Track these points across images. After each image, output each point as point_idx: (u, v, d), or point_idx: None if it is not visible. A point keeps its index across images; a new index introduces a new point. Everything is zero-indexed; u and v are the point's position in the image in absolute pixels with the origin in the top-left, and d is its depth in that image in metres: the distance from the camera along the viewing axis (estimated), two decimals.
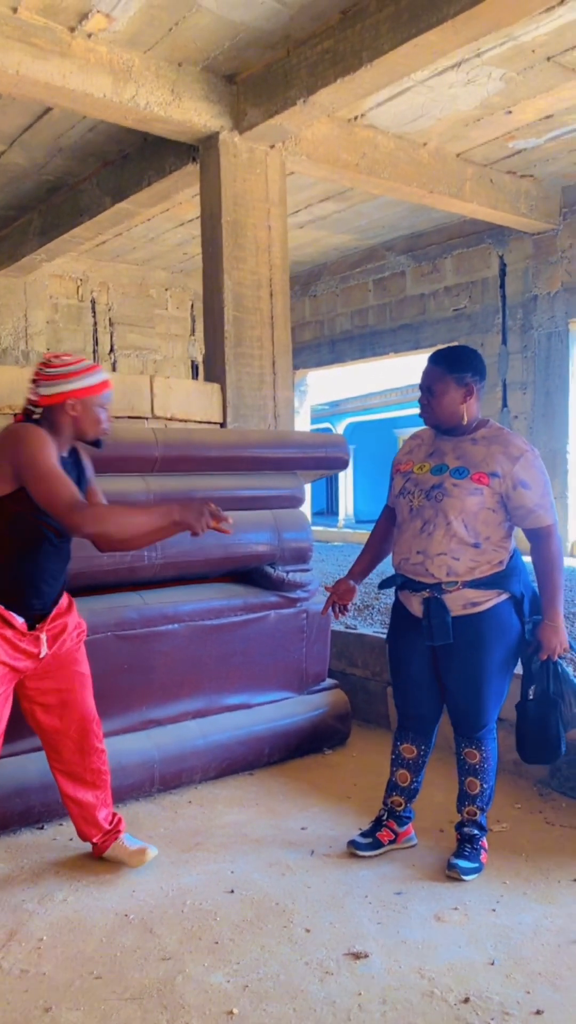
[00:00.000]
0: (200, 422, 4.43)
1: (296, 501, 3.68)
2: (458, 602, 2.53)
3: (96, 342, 8.20)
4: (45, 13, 3.82)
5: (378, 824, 2.79)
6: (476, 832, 2.64)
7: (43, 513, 2.26)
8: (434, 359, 2.59)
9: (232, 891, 2.50)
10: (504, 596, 2.55)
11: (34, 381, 2.39)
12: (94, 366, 2.41)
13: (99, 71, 4.04)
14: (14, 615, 2.30)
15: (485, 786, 2.63)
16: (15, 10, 3.77)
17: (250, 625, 3.51)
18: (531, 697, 2.54)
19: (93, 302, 8.16)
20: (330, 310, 8.65)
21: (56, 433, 2.35)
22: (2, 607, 2.29)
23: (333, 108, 4.21)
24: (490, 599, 2.54)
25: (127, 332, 8.32)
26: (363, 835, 2.77)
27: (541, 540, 2.51)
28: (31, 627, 2.36)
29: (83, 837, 2.68)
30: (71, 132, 5.16)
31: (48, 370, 2.36)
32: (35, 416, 2.38)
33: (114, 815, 2.71)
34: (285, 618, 3.61)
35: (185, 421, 4.38)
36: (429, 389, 2.57)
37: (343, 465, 3.91)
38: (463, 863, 2.58)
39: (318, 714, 3.68)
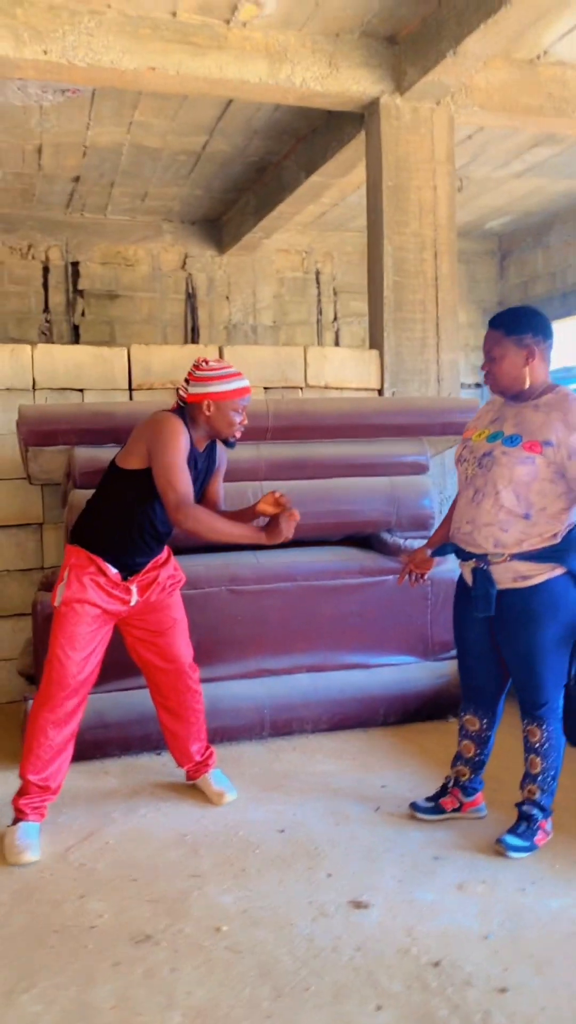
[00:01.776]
0: (356, 389, 4.54)
1: (419, 468, 3.67)
2: (507, 574, 2.45)
3: (320, 312, 8.50)
4: (201, 11, 4.09)
5: (443, 791, 2.80)
6: (535, 812, 2.56)
7: (159, 497, 2.58)
8: (493, 322, 2.50)
9: (283, 831, 2.70)
10: (559, 571, 2.42)
11: (187, 380, 2.71)
12: (236, 373, 2.69)
13: (255, 57, 4.24)
14: (109, 566, 2.66)
15: (547, 766, 2.54)
16: (174, 14, 4.09)
17: (367, 589, 3.61)
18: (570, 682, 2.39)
19: (317, 273, 8.44)
20: (562, 261, 8.10)
21: (194, 428, 2.67)
22: (100, 558, 2.67)
23: (485, 55, 4.00)
24: (542, 573, 2.42)
25: (350, 300, 8.49)
26: (427, 799, 2.81)
27: None
28: (124, 578, 2.71)
29: (177, 764, 3.02)
30: (259, 115, 5.43)
31: (198, 372, 2.68)
32: (182, 409, 2.71)
33: (207, 748, 3.02)
34: (405, 584, 3.64)
35: (341, 389, 4.51)
36: (489, 354, 2.48)
37: None
38: (512, 839, 2.53)
39: (443, 682, 3.68)
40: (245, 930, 2.15)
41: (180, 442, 2.57)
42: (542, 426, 2.38)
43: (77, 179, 6.67)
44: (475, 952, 2.05)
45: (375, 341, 4.71)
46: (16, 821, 2.62)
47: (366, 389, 4.57)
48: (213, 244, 8.07)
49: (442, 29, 4.03)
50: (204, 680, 3.42)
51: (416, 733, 3.56)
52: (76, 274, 7.75)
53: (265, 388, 4.37)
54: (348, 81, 4.41)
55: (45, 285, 7.68)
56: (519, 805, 2.60)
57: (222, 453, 2.88)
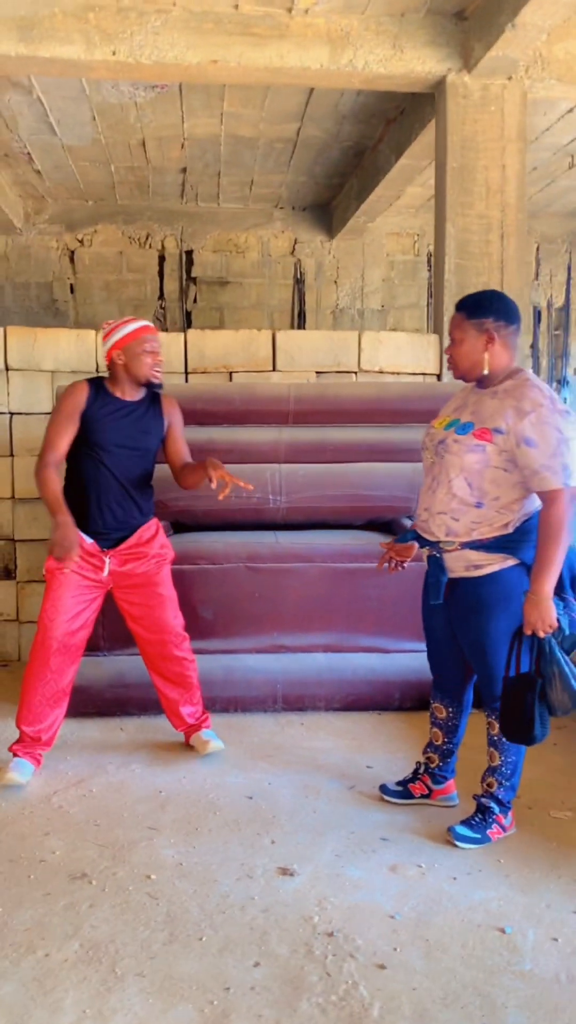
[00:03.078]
0: (412, 374, 4.51)
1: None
2: (459, 563, 2.43)
3: (431, 295, 8.36)
4: (263, 2, 4.18)
5: (414, 776, 2.81)
6: (492, 805, 2.53)
7: (95, 448, 2.79)
8: (457, 304, 2.46)
9: (251, 797, 2.81)
10: (511, 561, 2.37)
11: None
12: (132, 319, 2.87)
13: (316, 44, 4.28)
14: (84, 536, 2.88)
15: (504, 760, 2.50)
16: (236, 7, 4.21)
17: (386, 573, 3.61)
18: (512, 673, 2.33)
19: (429, 256, 8.30)
20: None
21: (116, 382, 2.87)
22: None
23: (546, 26, 3.83)
24: (493, 563, 2.38)
25: None
26: (397, 783, 2.83)
27: (545, 505, 2.26)
28: (103, 549, 2.91)
29: (173, 726, 3.21)
30: (344, 100, 5.44)
31: (102, 333, 2.88)
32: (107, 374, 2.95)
33: (202, 714, 3.19)
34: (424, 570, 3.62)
35: (396, 374, 4.50)
36: (451, 336, 2.46)
37: None
38: (463, 829, 2.51)
39: None
40: (171, 881, 2.30)
41: (64, 405, 2.84)
42: (495, 413, 2.33)
43: (184, 170, 6.95)
44: (374, 929, 2.09)
45: (436, 325, 4.65)
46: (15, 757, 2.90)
47: (423, 374, 4.53)
48: (323, 229, 8.14)
49: (502, 2, 3.90)
50: (219, 652, 3.61)
51: (427, 721, 3.54)
52: (189, 262, 8.09)
53: (317, 373, 4.44)
54: (413, 61, 4.36)
55: (160, 273, 8.07)
56: (476, 797, 2.58)
57: (173, 410, 3.01)
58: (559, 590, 2.33)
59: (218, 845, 2.50)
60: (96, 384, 2.87)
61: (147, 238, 8.01)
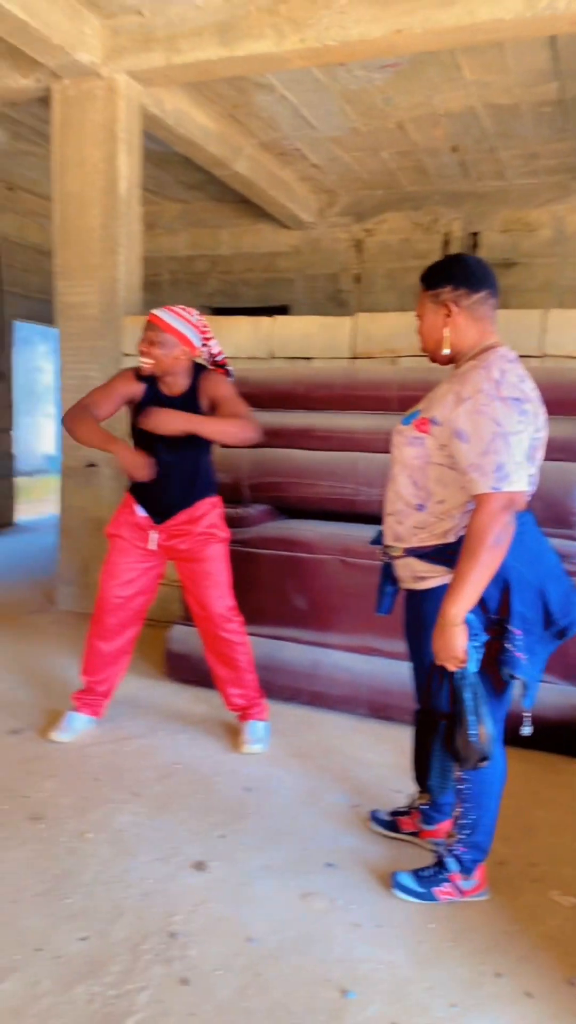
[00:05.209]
0: None
1: (572, 452, 3.06)
2: (405, 571, 2.12)
3: None
4: None
5: (407, 809, 2.51)
6: (448, 860, 2.17)
7: (142, 439, 2.92)
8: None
9: (249, 789, 2.76)
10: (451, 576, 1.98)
11: None
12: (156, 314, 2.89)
13: None
14: (138, 508, 3.04)
15: (467, 811, 2.12)
16: None
17: None
18: (424, 707, 1.93)
19: None
20: None
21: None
22: (134, 500, 3.06)
23: None
24: (436, 576, 2.03)
25: None
26: (389, 813, 2.55)
27: (474, 510, 1.85)
28: (157, 523, 3.04)
29: (225, 705, 3.24)
30: None
31: None
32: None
33: (253, 700, 3.18)
34: None
35: None
36: (417, 314, 2.12)
37: None
38: (405, 878, 2.20)
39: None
40: (96, 844, 2.39)
41: (112, 380, 2.98)
42: (438, 399, 1.96)
43: (455, 148, 6.67)
44: (220, 946, 1.96)
45: None
46: (73, 711, 3.20)
47: None
48: None
49: None
50: (309, 643, 3.54)
51: (518, 760, 3.08)
52: (475, 244, 7.74)
53: None
54: None
55: None
56: (435, 844, 2.22)
57: (211, 385, 2.93)
58: (508, 620, 1.90)
59: (171, 824, 2.52)
60: (151, 379, 2.97)
61: (433, 223, 7.85)
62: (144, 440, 2.95)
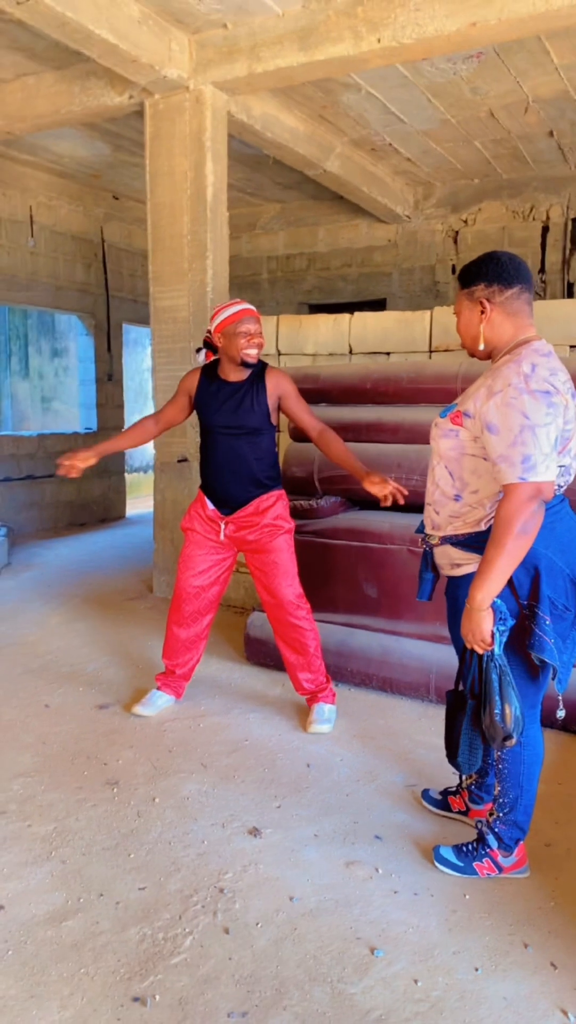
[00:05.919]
0: None
1: None
2: (443, 559, 2.20)
3: None
4: None
5: (457, 789, 2.59)
6: (488, 837, 2.24)
7: (206, 432, 3.11)
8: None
9: (309, 766, 2.90)
10: None
11: None
12: (234, 303, 3.05)
13: None
14: (208, 502, 3.23)
15: (505, 789, 2.20)
16: None
17: None
18: (456, 688, 2.00)
19: None
20: None
21: (222, 364, 3.13)
22: (204, 495, 3.26)
23: None
24: (470, 563, 2.11)
25: None
26: (441, 791, 2.63)
27: (502, 500, 1.92)
28: (225, 515, 3.22)
29: (295, 689, 3.39)
30: None
31: (209, 318, 3.14)
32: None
33: (322, 684, 3.32)
34: None
35: None
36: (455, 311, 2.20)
37: None
38: (446, 852, 2.29)
39: None
40: (162, 808, 2.60)
41: (183, 383, 3.21)
42: (472, 393, 2.03)
43: (551, 133, 6.55)
44: (264, 902, 2.12)
45: None
46: (156, 689, 3.44)
47: None
48: None
49: None
50: (380, 631, 3.65)
51: (572, 747, 3.09)
52: (575, 231, 7.55)
53: (571, 347, 4.01)
54: None
55: (543, 245, 7.71)
56: (477, 821, 2.30)
57: (279, 382, 3.09)
58: (537, 605, 1.96)
59: (233, 794, 2.69)
60: (207, 369, 3.17)
61: (531, 210, 7.71)
62: (207, 435, 3.15)
